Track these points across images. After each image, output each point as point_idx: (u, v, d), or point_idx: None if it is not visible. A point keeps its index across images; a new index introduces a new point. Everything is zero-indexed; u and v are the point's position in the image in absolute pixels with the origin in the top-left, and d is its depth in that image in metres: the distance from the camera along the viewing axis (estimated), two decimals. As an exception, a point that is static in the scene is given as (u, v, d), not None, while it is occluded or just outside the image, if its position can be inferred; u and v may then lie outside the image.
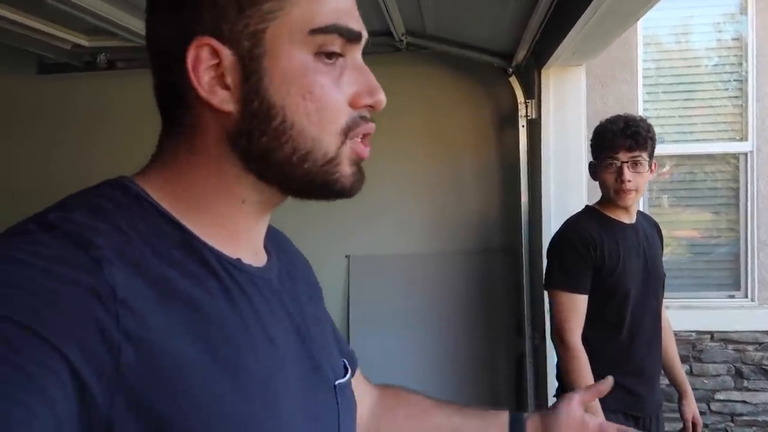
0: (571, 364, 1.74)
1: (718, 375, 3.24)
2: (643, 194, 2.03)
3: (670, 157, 3.32)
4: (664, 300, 1.93)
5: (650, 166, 1.80)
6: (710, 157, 3.29)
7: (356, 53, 0.58)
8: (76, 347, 0.44)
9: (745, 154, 3.24)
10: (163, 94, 0.58)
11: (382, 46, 2.61)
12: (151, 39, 0.57)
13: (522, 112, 2.66)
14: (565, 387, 1.80)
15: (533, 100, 2.59)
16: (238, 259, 0.58)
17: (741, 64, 3.26)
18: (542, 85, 2.53)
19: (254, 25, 0.53)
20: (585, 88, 2.56)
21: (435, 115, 2.91)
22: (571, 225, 1.90)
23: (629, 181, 1.76)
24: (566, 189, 2.53)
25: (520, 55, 2.46)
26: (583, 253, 1.78)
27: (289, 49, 0.54)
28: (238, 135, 0.56)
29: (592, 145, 1.90)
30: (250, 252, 0.61)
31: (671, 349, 1.98)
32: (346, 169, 0.59)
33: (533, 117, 2.60)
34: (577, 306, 1.77)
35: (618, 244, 1.81)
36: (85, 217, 0.51)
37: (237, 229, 0.60)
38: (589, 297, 1.78)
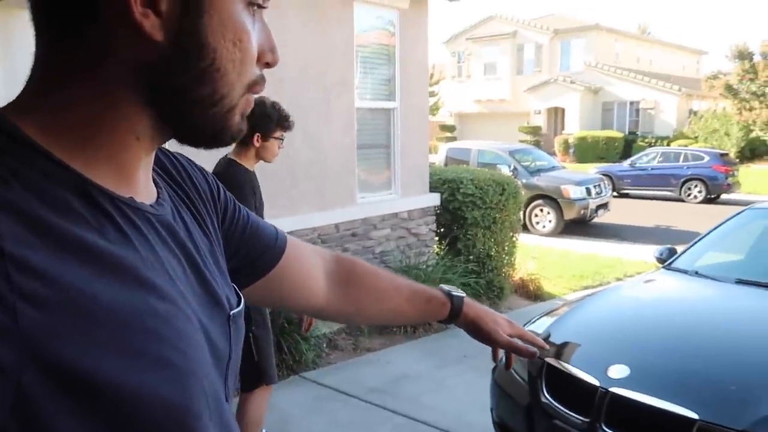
0: None
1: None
2: None
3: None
4: None
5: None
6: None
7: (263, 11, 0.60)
8: None
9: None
10: (65, 7, 0.51)
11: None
12: None
13: None
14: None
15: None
16: (131, 198, 0.56)
17: None
18: None
19: None
20: None
21: None
22: None
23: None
24: None
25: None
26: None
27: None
28: (156, 66, 0.53)
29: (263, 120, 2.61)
30: (142, 188, 0.59)
31: None
32: (237, 119, 0.60)
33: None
34: None
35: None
36: None
37: (128, 166, 0.57)
38: None
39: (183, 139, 0.60)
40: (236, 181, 2.59)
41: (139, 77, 0.54)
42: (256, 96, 0.64)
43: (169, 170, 0.70)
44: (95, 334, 0.47)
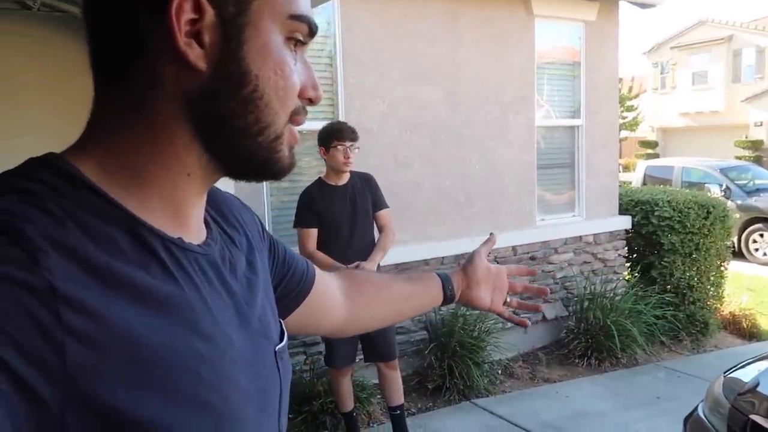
0: (312, 259, 2.80)
1: None
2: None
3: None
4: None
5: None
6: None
7: (306, 48, 0.61)
8: (11, 346, 0.42)
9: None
10: (114, 43, 0.53)
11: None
12: None
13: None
14: None
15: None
16: (180, 238, 0.57)
17: (331, 56, 4.07)
18: None
19: None
20: None
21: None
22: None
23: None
24: None
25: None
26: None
27: (269, 25, 0.56)
28: (201, 96, 0.55)
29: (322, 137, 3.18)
30: (193, 228, 0.60)
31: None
32: (285, 151, 0.60)
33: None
34: (309, 234, 3.18)
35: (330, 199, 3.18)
36: (13, 204, 0.47)
37: (181, 205, 0.58)
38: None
39: (233, 173, 0.61)
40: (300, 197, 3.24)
41: (186, 110, 0.55)
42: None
43: (219, 209, 0.71)
44: (138, 374, 0.48)
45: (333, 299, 0.94)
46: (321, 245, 3.23)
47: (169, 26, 0.52)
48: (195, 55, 0.53)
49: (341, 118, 4.05)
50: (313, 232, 3.18)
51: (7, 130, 2.98)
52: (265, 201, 3.91)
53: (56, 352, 0.44)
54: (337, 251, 3.13)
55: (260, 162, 0.60)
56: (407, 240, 4.35)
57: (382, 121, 4.26)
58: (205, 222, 0.65)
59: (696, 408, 2.66)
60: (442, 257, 4.55)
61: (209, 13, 0.53)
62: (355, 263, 3.05)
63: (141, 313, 0.49)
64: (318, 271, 0.92)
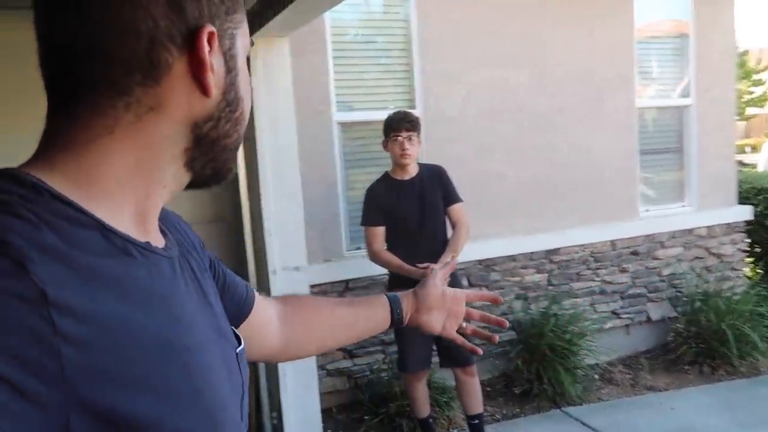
0: (378, 258, 2.99)
1: None
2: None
3: (359, 123, 3.85)
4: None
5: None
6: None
7: None
8: (8, 357, 0.42)
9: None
10: (122, 67, 0.55)
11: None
12: (116, 12, 0.55)
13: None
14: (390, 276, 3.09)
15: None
16: (147, 243, 0.59)
17: (407, 42, 3.87)
18: (251, 57, 2.58)
19: (232, 28, 0.61)
20: (290, 57, 2.72)
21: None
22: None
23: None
24: (281, 155, 2.76)
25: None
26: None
27: (243, 53, 0.64)
28: (206, 119, 0.60)
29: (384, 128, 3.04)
30: (154, 235, 0.62)
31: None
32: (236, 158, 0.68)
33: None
34: (375, 232, 3.02)
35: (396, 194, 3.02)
36: None
37: (146, 214, 0.60)
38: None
39: (197, 184, 0.65)
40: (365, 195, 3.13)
41: (186, 130, 0.59)
42: None
43: (165, 221, 0.71)
44: (132, 371, 0.49)
45: (269, 326, 0.95)
46: (390, 244, 3.07)
47: (200, 58, 0.57)
48: (212, 83, 0.58)
49: (418, 107, 3.86)
50: (379, 231, 3.02)
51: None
52: (340, 195, 3.79)
53: (54, 359, 0.44)
54: (406, 250, 2.95)
55: (222, 171, 0.66)
56: (491, 234, 4.09)
57: (462, 108, 4.00)
58: (162, 231, 0.67)
59: None
60: (531, 252, 4.24)
61: (216, 45, 0.58)
62: (425, 265, 2.85)
63: (129, 310, 0.50)
64: (258, 297, 0.93)
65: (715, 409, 3.74)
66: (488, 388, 4.02)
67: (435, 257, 2.87)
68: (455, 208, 3.05)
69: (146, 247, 0.58)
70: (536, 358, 3.85)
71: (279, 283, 2.83)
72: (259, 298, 0.92)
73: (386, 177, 3.10)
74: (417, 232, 2.99)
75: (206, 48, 0.56)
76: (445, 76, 3.94)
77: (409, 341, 3.02)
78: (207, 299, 0.67)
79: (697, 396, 3.97)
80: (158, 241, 0.62)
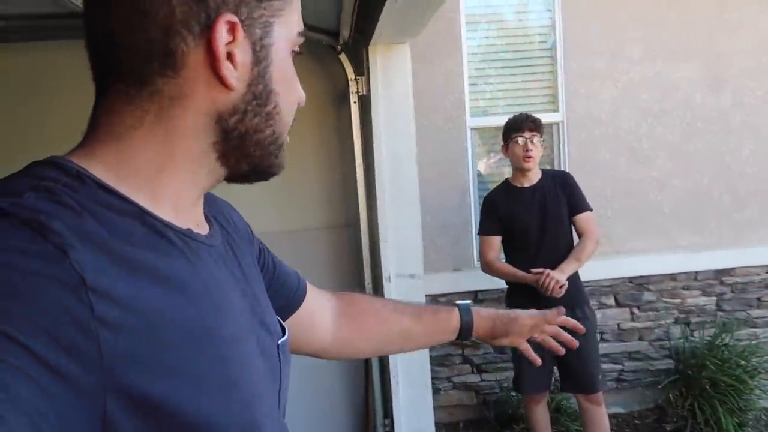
0: (490, 268, 2.84)
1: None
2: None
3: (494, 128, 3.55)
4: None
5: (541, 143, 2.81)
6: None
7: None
8: (47, 339, 0.43)
9: (557, 124, 3.63)
10: (143, 58, 0.54)
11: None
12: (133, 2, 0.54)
13: (353, 88, 2.69)
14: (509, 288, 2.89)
15: (363, 77, 2.64)
16: (189, 230, 0.59)
17: (551, 43, 3.61)
18: (370, 62, 2.57)
19: (267, 16, 0.58)
20: (410, 64, 2.60)
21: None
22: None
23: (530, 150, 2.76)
24: (399, 161, 2.62)
25: (345, 32, 2.52)
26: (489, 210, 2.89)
27: (285, 45, 0.60)
28: (231, 112, 0.57)
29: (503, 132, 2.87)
30: (196, 222, 0.62)
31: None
32: (284, 155, 0.65)
33: (364, 93, 2.65)
34: (490, 242, 2.87)
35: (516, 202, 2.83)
36: (32, 200, 0.48)
37: (186, 203, 0.60)
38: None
39: (235, 178, 0.64)
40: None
41: (211, 124, 0.57)
42: None
43: (213, 208, 0.72)
44: (170, 358, 0.49)
45: (321, 319, 0.94)
46: (508, 256, 2.88)
47: (212, 48, 0.54)
48: (230, 75, 0.56)
49: (561, 109, 3.60)
50: (494, 240, 2.84)
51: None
52: (472, 204, 3.66)
53: (91, 342, 0.45)
54: (525, 262, 2.73)
55: (264, 168, 0.63)
56: (646, 249, 3.66)
57: (615, 109, 3.63)
58: (206, 217, 0.67)
59: None
60: (696, 272, 3.71)
61: (241, 35, 0.56)
62: (539, 270, 2.63)
63: (168, 298, 0.51)
64: (311, 289, 0.92)
65: None
66: (636, 421, 3.60)
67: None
68: (582, 218, 2.76)
69: (187, 234, 0.58)
70: (692, 393, 3.35)
71: (394, 290, 2.80)
72: (313, 292, 0.92)
73: (506, 184, 2.90)
74: (537, 244, 2.77)
75: (223, 38, 0.54)
76: (594, 74, 3.60)
77: (525, 360, 2.82)
78: (251, 288, 0.67)
79: None
80: (201, 229, 0.63)
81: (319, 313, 0.93)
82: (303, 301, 0.88)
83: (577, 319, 2.87)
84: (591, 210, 2.80)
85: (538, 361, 1.14)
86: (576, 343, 1.12)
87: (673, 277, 3.70)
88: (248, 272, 0.69)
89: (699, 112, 3.68)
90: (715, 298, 3.74)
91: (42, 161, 0.53)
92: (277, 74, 0.59)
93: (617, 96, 3.62)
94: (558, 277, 2.59)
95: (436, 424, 2.86)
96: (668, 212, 3.70)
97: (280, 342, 0.69)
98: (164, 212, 0.56)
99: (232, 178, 0.63)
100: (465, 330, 1.04)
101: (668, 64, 3.63)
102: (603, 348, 3.54)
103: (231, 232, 0.72)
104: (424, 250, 2.74)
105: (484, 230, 2.88)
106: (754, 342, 3.63)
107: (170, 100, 0.55)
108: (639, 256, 3.63)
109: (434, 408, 2.76)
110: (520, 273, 2.69)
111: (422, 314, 1.03)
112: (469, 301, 1.07)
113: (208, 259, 0.59)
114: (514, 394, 3.42)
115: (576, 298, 2.72)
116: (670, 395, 3.43)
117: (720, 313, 3.72)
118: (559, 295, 2.58)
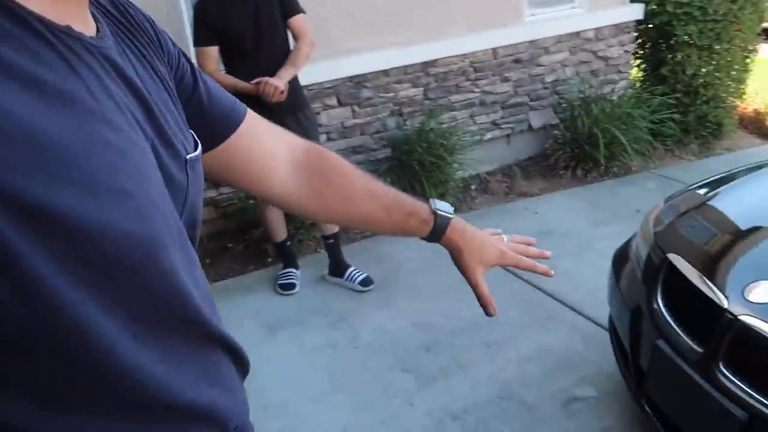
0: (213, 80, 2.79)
1: None
2: None
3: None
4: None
5: None
6: None
7: None
8: None
9: None
10: None
11: None
12: None
13: None
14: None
15: None
16: (68, 26, 0.52)
17: None
18: None
19: None
20: None
21: None
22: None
23: None
24: None
25: None
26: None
27: None
28: None
29: None
30: (77, 19, 0.55)
31: None
32: None
33: None
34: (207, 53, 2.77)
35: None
36: None
37: None
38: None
39: None
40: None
41: None
42: None
43: (107, 8, 0.65)
44: (49, 166, 0.45)
45: (264, 160, 0.86)
46: (227, 65, 2.84)
47: None
48: None
49: None
50: (211, 51, 2.77)
51: None
52: (185, 12, 3.41)
53: None
54: (245, 70, 2.73)
55: None
56: (361, 48, 3.84)
57: None
58: (93, 16, 0.59)
59: (633, 236, 2.35)
60: (406, 65, 4.05)
61: None
62: (257, 80, 2.66)
63: (41, 103, 0.46)
64: (254, 122, 0.85)
65: (576, 211, 3.92)
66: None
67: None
68: (295, 21, 2.79)
69: (67, 32, 0.52)
70: (407, 175, 3.86)
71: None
72: (255, 125, 0.85)
73: None
74: (254, 51, 2.76)
75: None
76: None
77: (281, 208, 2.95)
78: (151, 97, 0.61)
79: (563, 199, 4.14)
80: (84, 28, 0.55)
81: (267, 152, 0.86)
82: (236, 128, 0.82)
83: (299, 123, 2.98)
84: (304, 12, 2.81)
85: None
86: (552, 273, 1.05)
87: (386, 72, 4.00)
88: (149, 80, 0.64)
89: None
90: (422, 88, 4.17)
91: None
92: None
93: None
94: (277, 84, 2.64)
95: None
96: (379, 10, 3.87)
97: (188, 157, 0.65)
98: (38, 4, 0.49)
99: None
100: (432, 240, 0.98)
101: None
102: (330, 146, 3.81)
103: (129, 34, 0.66)
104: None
105: (200, 41, 2.76)
106: (453, 123, 4.21)
107: None
108: (356, 56, 3.82)
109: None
110: (241, 84, 2.68)
111: (394, 207, 0.95)
112: (452, 215, 0.97)
113: (92, 62, 0.54)
114: (252, 202, 3.59)
115: (297, 102, 2.84)
116: (388, 179, 3.90)
117: (426, 102, 4.19)
118: (281, 100, 2.67)
